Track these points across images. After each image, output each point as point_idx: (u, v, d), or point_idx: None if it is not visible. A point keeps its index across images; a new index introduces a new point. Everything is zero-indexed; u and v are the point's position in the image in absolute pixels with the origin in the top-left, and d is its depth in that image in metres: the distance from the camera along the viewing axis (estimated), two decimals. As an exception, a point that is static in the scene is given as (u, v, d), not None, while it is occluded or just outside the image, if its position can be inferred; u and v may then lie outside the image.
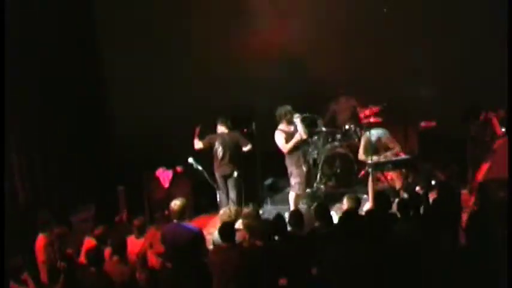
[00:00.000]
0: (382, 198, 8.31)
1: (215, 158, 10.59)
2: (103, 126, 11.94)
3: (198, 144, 10.62)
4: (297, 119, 10.37)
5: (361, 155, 10.96)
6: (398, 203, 8.06)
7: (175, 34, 12.40)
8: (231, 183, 10.60)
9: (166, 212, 10.60)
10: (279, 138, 10.40)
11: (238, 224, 8.22)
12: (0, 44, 9.12)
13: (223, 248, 7.58)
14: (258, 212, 8.54)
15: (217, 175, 10.64)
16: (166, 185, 11.46)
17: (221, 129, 10.68)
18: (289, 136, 10.37)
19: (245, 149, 10.54)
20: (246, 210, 8.39)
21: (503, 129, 10.46)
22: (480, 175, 10.38)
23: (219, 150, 10.51)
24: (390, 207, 8.26)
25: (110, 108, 12.24)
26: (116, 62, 12.12)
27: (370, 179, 10.72)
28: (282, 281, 7.25)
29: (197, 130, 10.65)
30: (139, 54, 12.17)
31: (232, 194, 10.57)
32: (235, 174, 10.51)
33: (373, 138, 10.72)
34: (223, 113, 10.93)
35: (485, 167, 10.43)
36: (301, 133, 10.38)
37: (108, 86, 12.20)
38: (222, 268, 7.33)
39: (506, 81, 9.78)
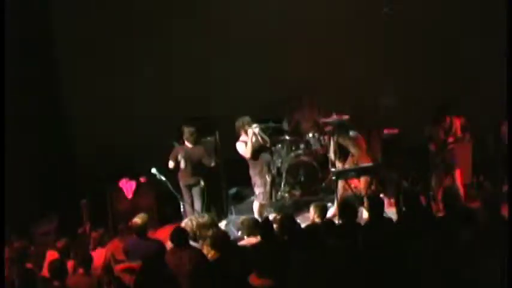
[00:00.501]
0: (347, 206, 8.29)
1: (179, 168, 10.53)
2: (65, 138, 11.86)
3: (170, 164, 10.54)
4: (255, 129, 10.38)
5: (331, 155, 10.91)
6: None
7: (136, 42, 12.36)
8: (195, 192, 10.58)
9: (130, 223, 10.51)
10: (240, 146, 10.40)
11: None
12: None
13: (176, 249, 7.70)
14: (213, 222, 8.57)
15: (181, 184, 10.60)
16: (130, 195, 11.36)
17: (186, 142, 10.62)
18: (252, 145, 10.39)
19: (211, 164, 10.63)
20: (201, 220, 8.45)
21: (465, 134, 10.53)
22: (458, 179, 10.43)
23: (182, 162, 10.45)
24: (356, 215, 8.28)
25: (72, 119, 12.15)
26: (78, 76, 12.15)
27: (339, 186, 10.72)
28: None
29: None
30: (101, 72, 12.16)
31: (197, 204, 10.53)
32: (201, 183, 10.48)
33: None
34: (188, 123, 10.92)
35: (459, 172, 10.49)
36: (262, 142, 10.44)
37: (70, 97, 12.14)
38: (176, 269, 7.40)
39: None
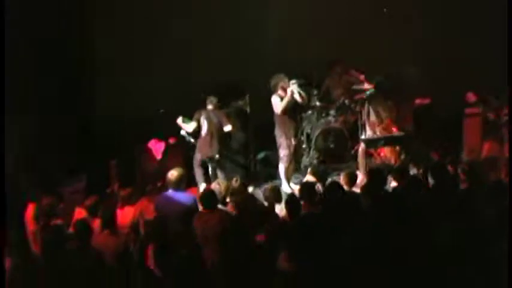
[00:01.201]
0: (376, 174, 8.24)
1: (199, 136, 10.47)
2: (97, 99, 12.03)
3: (189, 127, 10.51)
4: (293, 84, 10.32)
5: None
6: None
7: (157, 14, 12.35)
8: (212, 166, 10.52)
9: (158, 184, 10.60)
10: (275, 100, 10.34)
11: None
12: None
13: (204, 212, 7.67)
14: (245, 188, 8.52)
15: (199, 156, 10.53)
16: (159, 156, 11.41)
17: (208, 106, 10.57)
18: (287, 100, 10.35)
19: (225, 129, 10.45)
20: (233, 186, 8.39)
21: None
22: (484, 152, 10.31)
23: (204, 128, 10.39)
24: (385, 183, 8.23)
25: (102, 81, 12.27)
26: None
27: (361, 154, 10.67)
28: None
29: (179, 120, 10.50)
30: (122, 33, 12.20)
31: (220, 174, 10.46)
32: (217, 156, 10.40)
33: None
34: (217, 87, 10.91)
35: (487, 145, 10.36)
36: (298, 98, 10.36)
37: (98, 65, 12.23)
38: (203, 233, 7.38)
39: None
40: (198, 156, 10.53)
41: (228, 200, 8.31)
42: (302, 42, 12.46)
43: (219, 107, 10.63)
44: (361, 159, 10.68)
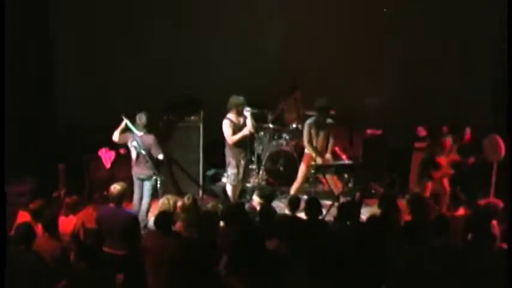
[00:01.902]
0: (313, 203, 8.23)
1: (130, 158, 10.16)
2: (49, 105, 11.91)
3: (115, 136, 10.06)
4: (247, 112, 10.37)
5: (304, 142, 10.79)
6: (339, 208, 8.21)
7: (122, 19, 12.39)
8: (146, 186, 10.07)
9: (105, 193, 10.51)
10: (226, 127, 10.37)
11: None
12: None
13: (159, 234, 7.56)
14: (195, 204, 8.46)
15: (134, 177, 10.15)
16: (108, 165, 11.32)
17: (138, 129, 9.98)
18: (236, 127, 10.38)
19: (159, 157, 9.92)
20: (182, 202, 8.32)
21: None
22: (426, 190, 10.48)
23: (132, 152, 10.02)
24: (320, 212, 8.31)
25: (56, 88, 12.22)
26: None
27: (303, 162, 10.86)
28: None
29: (122, 123, 10.14)
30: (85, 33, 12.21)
31: (145, 200, 10.06)
32: (153, 177, 9.93)
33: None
34: (173, 100, 10.93)
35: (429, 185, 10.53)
36: (249, 127, 10.40)
37: (56, 64, 12.18)
38: (156, 254, 7.28)
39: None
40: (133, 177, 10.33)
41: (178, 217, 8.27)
42: (260, 60, 12.61)
43: (148, 129, 10.03)
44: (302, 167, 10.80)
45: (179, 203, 8.25)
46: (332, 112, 11.47)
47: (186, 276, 7.12)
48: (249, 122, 10.38)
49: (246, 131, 10.35)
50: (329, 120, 10.66)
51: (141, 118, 9.88)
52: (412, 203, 8.28)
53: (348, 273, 6.93)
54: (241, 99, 10.41)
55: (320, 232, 7.77)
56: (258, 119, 11.35)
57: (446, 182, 10.38)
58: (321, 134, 10.63)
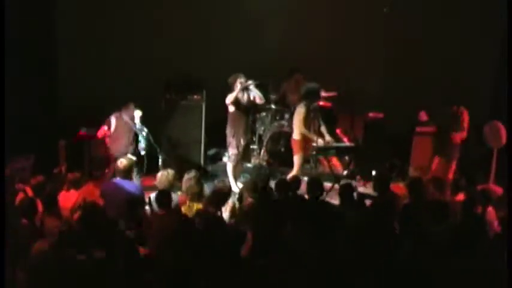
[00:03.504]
0: (314, 183, 8.33)
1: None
2: (50, 85, 11.97)
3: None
4: (251, 85, 10.39)
5: (301, 128, 10.76)
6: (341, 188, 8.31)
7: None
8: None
9: (106, 170, 10.55)
10: (229, 97, 10.39)
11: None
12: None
13: (159, 213, 7.70)
14: (199, 177, 8.53)
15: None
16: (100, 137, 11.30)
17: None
18: (239, 100, 10.41)
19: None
20: (187, 175, 8.39)
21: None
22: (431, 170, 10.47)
23: (112, 127, 10.30)
24: (322, 193, 8.37)
25: (57, 66, 12.23)
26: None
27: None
28: None
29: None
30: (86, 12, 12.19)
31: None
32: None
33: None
34: (174, 80, 10.99)
35: (435, 164, 10.52)
36: (256, 98, 10.44)
37: (57, 41, 12.17)
38: (157, 234, 7.33)
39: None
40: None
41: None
42: (263, 42, 12.60)
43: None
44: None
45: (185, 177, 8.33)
46: (334, 94, 11.55)
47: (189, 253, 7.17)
48: (255, 93, 10.40)
49: (237, 91, 10.36)
50: (315, 105, 10.66)
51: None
52: (411, 186, 8.33)
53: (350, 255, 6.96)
54: (240, 75, 10.44)
55: (322, 212, 7.80)
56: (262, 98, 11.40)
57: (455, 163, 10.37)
58: (315, 118, 10.63)
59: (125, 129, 10.26)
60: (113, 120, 10.25)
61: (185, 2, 12.55)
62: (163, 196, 7.76)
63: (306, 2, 12.57)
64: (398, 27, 12.46)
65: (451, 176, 10.19)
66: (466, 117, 10.20)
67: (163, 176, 8.41)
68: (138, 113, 10.45)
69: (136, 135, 10.49)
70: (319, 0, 12.56)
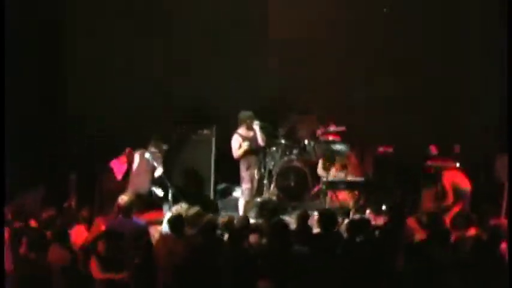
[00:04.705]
0: (327, 216, 8.29)
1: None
2: (61, 117, 12.02)
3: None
4: (256, 126, 10.47)
5: (320, 169, 10.92)
6: (348, 224, 8.21)
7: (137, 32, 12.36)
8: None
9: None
10: (235, 141, 10.48)
11: None
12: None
13: (170, 238, 7.77)
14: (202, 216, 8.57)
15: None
16: (119, 177, 11.32)
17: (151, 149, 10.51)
18: (245, 140, 10.44)
19: (156, 173, 10.41)
20: (191, 211, 8.43)
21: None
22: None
23: (135, 165, 10.45)
24: (335, 226, 8.34)
25: (67, 97, 12.26)
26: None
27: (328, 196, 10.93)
28: None
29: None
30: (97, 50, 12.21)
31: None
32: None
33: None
34: (185, 114, 11.03)
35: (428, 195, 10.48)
36: (260, 140, 10.48)
37: (67, 76, 12.24)
38: (167, 258, 7.44)
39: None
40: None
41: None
42: (272, 77, 12.63)
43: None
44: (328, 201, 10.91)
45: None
46: (343, 128, 11.59)
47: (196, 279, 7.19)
48: (259, 134, 10.48)
49: (245, 146, 10.45)
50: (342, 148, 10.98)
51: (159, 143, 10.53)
52: (430, 220, 8.29)
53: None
54: (249, 113, 10.55)
55: (335, 244, 7.78)
56: (269, 135, 11.43)
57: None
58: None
59: (148, 167, 10.30)
60: (137, 157, 10.31)
61: (201, 35, 12.58)
62: (176, 220, 7.88)
63: (318, 39, 12.58)
64: (405, 59, 12.46)
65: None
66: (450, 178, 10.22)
67: (178, 210, 8.49)
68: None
69: None
70: (329, 36, 12.56)
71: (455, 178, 10.20)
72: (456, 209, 9.96)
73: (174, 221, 7.88)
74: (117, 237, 7.76)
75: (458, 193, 10.07)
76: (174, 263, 7.37)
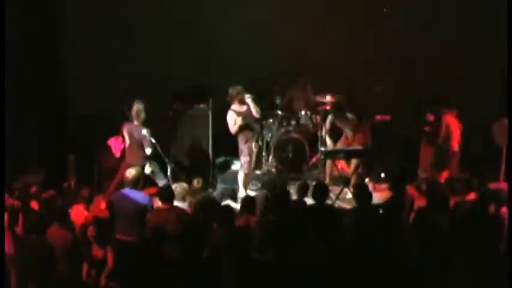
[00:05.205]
0: (320, 188, 8.34)
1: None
2: (59, 97, 12.00)
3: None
4: (248, 99, 10.44)
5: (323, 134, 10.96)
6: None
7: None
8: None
9: (115, 182, 10.56)
10: (230, 118, 10.45)
11: None
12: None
13: (162, 209, 7.94)
14: (206, 189, 8.61)
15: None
16: (118, 154, 11.33)
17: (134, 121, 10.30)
18: (240, 116, 10.42)
19: (146, 151, 10.22)
20: (194, 186, 8.50)
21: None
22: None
23: (126, 139, 10.37)
24: (327, 197, 8.40)
25: (65, 78, 12.25)
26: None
27: (327, 164, 10.94)
28: None
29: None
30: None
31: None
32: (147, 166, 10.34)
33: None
34: (181, 90, 11.00)
35: (444, 174, 10.48)
36: (254, 113, 10.46)
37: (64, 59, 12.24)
38: (160, 228, 7.51)
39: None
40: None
41: (187, 199, 8.43)
42: (269, 46, 12.51)
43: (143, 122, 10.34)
44: (327, 169, 10.98)
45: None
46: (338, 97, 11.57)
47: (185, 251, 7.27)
48: (253, 107, 10.45)
49: (239, 121, 10.39)
50: (349, 115, 10.90)
51: (140, 109, 10.18)
52: (429, 187, 8.32)
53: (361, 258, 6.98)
54: (239, 88, 10.50)
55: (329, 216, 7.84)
56: (266, 107, 11.41)
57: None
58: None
59: (137, 142, 10.28)
60: (124, 131, 10.30)
61: (188, 10, 12.51)
62: (166, 191, 8.15)
63: (308, 6, 12.50)
64: (402, 27, 12.41)
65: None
66: (447, 123, 10.25)
67: (175, 190, 8.51)
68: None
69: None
70: (321, 3, 12.49)
71: (450, 122, 10.35)
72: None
73: (164, 192, 8.15)
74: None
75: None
76: (168, 233, 7.46)
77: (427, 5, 12.42)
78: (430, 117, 10.97)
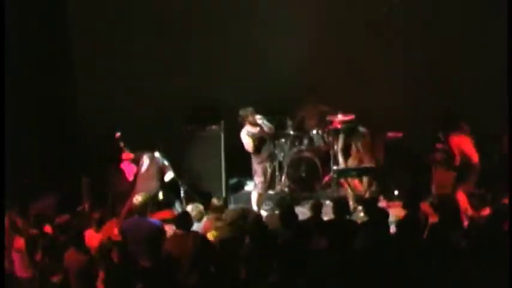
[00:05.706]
0: (340, 204, 8.37)
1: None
2: (71, 119, 12.07)
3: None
4: (259, 120, 10.49)
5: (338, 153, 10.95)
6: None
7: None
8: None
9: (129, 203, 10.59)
10: (244, 136, 10.47)
11: None
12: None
13: (178, 235, 7.82)
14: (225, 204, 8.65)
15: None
16: (131, 178, 11.37)
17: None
18: (252, 137, 10.45)
19: (166, 178, 10.45)
20: (214, 204, 8.52)
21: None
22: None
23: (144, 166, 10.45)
24: (349, 213, 8.37)
25: (76, 100, 12.32)
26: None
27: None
28: None
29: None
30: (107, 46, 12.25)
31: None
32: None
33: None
34: (193, 111, 11.11)
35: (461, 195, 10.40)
36: (267, 130, 10.52)
37: (77, 78, 12.29)
38: (177, 255, 7.49)
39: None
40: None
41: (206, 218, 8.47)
42: (279, 68, 12.56)
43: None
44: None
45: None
46: (351, 117, 11.55)
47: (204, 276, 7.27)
48: (265, 125, 10.47)
49: (252, 143, 10.45)
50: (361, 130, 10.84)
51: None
52: (442, 205, 8.30)
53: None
54: (249, 109, 10.55)
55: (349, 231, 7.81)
56: (277, 127, 11.43)
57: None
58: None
59: (157, 170, 10.32)
60: (146, 160, 10.33)
61: (202, 31, 12.57)
62: (183, 217, 8.03)
63: (321, 23, 12.51)
64: (416, 44, 12.42)
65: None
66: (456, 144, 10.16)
67: (194, 210, 8.58)
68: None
69: None
70: (334, 21, 12.51)
71: (462, 144, 10.12)
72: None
73: (180, 219, 8.00)
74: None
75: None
76: (185, 258, 7.44)
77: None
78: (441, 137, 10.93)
